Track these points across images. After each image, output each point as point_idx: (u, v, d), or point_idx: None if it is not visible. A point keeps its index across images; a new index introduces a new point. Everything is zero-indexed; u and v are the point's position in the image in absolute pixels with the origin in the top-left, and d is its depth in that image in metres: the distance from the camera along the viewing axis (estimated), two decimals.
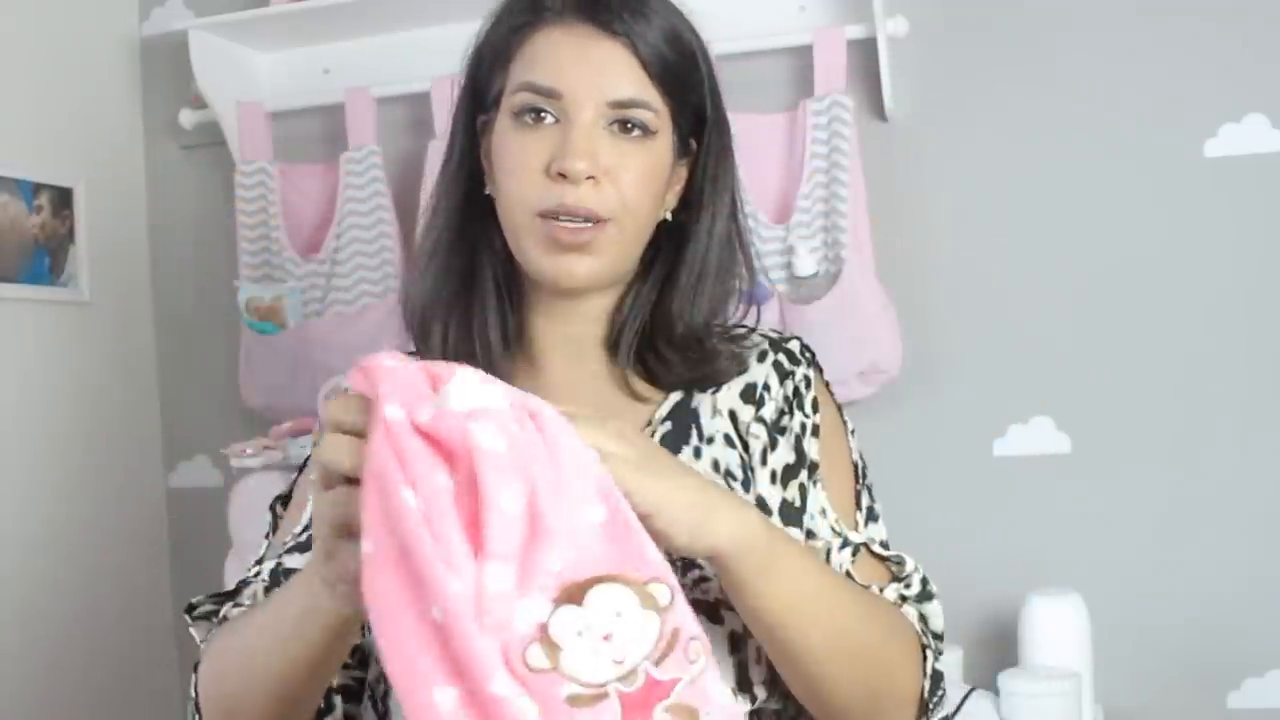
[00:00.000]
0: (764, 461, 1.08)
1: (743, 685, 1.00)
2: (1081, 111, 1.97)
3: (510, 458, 0.66)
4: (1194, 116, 1.92)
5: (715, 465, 1.07)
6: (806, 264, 1.96)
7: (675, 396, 1.11)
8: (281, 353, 2.17)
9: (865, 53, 1.99)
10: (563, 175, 1.02)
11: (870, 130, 2.01)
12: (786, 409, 1.11)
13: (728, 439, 1.08)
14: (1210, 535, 1.91)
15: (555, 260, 1.05)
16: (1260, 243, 1.91)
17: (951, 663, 1.88)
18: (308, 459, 1.16)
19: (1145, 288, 1.95)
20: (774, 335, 1.17)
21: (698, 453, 1.07)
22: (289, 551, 1.09)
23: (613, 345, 1.13)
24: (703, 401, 1.10)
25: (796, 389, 1.12)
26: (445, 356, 1.09)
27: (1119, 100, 1.95)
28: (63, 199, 2.23)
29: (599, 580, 0.67)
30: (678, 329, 1.11)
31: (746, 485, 1.06)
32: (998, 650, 1.92)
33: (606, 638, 0.67)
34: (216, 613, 1.08)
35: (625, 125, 1.06)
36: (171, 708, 2.31)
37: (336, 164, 2.19)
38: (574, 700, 0.65)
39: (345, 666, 1.06)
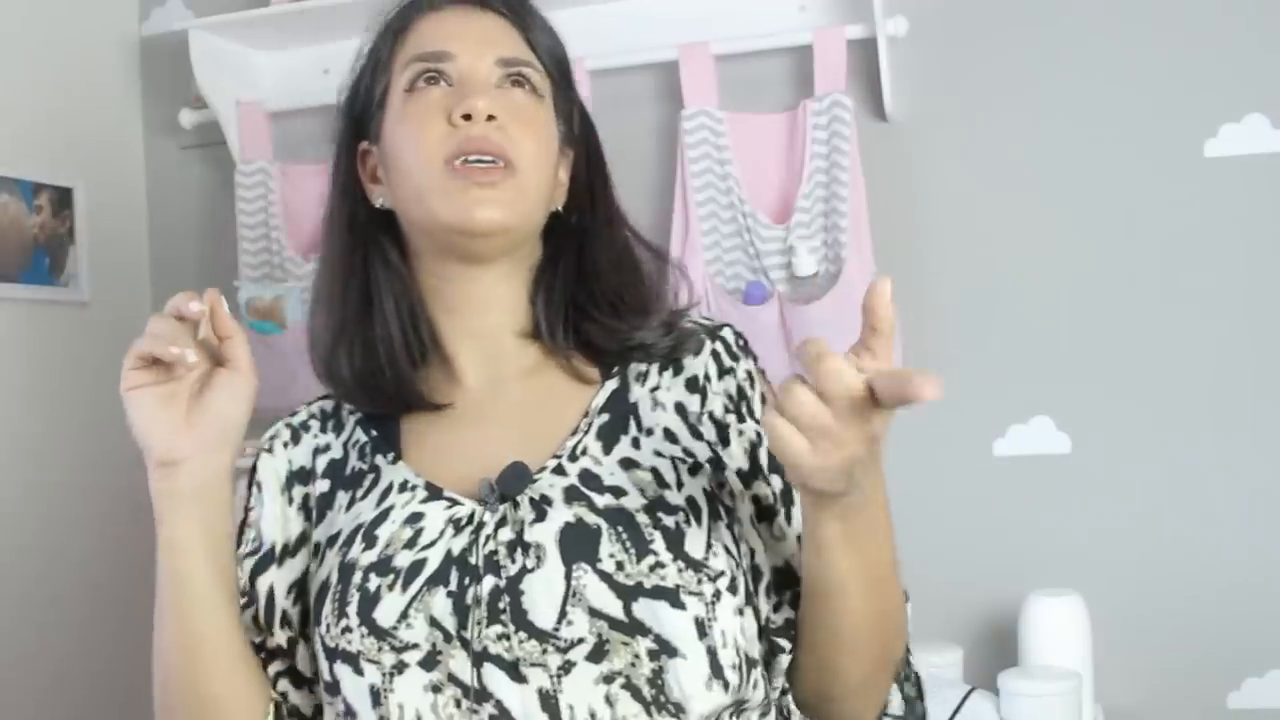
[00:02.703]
0: (717, 462, 1.05)
1: (716, 671, 0.94)
2: (1081, 111, 1.97)
3: None
4: (1194, 116, 1.92)
5: (658, 454, 1.03)
6: (806, 264, 1.96)
7: (611, 385, 1.08)
8: (281, 353, 2.17)
9: (865, 53, 1.99)
10: (466, 117, 1.02)
11: (870, 130, 2.01)
12: (731, 407, 1.07)
13: (668, 433, 1.05)
14: (1210, 535, 1.91)
15: (466, 201, 1.02)
16: (1260, 243, 1.91)
17: (951, 663, 1.88)
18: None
19: (1145, 288, 1.95)
20: (706, 322, 1.13)
21: (636, 443, 1.04)
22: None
23: (546, 330, 1.09)
24: (642, 396, 1.07)
25: (740, 388, 1.08)
26: (353, 381, 1.08)
27: (1119, 100, 1.95)
28: (63, 199, 2.23)
29: None
30: (602, 295, 1.10)
31: (680, 485, 1.02)
32: (998, 650, 1.92)
33: None
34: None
35: (516, 81, 1.07)
36: None
37: None
38: None
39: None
